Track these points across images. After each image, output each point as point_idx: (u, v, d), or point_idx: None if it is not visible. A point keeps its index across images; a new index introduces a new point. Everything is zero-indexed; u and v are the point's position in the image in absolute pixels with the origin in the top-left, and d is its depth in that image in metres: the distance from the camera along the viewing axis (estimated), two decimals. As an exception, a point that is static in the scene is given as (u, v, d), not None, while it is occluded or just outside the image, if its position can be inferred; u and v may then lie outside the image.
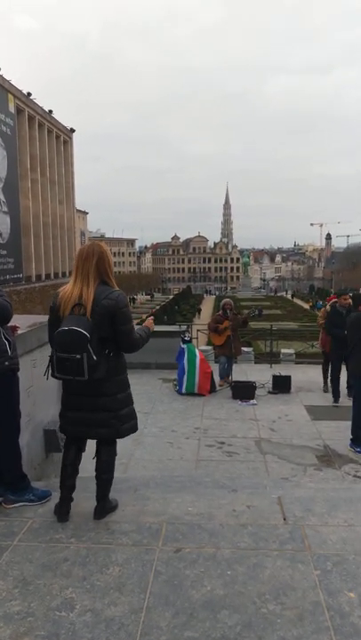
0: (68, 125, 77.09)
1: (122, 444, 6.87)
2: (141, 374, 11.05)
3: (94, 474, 3.44)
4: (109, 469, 3.40)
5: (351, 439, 6.71)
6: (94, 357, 3.04)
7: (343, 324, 7.64)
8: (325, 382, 9.82)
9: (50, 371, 3.27)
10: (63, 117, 74.50)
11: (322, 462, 6.38)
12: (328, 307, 9.31)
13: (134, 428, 3.41)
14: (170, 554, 2.88)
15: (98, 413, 3.22)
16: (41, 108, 65.00)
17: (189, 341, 10.08)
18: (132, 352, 3.32)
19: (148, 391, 9.77)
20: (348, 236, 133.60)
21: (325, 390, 9.69)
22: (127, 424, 3.36)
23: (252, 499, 3.59)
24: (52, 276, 66.39)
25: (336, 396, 9.01)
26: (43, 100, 66.10)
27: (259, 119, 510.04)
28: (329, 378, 9.44)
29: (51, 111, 68.40)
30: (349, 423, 7.78)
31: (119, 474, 5.88)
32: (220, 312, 10.49)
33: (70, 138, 77.78)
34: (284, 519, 3.26)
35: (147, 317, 3.71)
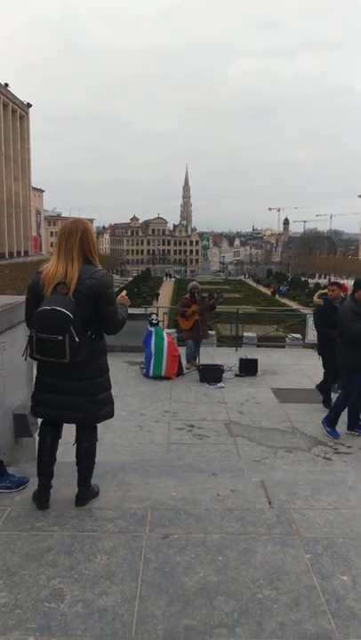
0: (25, 100, 74.53)
1: (91, 428, 6.78)
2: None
3: (72, 459, 3.32)
4: (90, 456, 3.28)
5: (326, 417, 6.78)
6: (77, 339, 2.90)
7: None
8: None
9: (28, 351, 3.10)
10: (20, 94, 71.68)
11: (291, 444, 6.45)
12: (317, 299, 8.02)
13: (111, 414, 3.31)
14: (158, 540, 2.81)
15: (74, 397, 3.10)
16: (-4, 80, 62.52)
17: (157, 324, 9.98)
18: (115, 333, 3.21)
19: (114, 374, 9.33)
20: (304, 222, 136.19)
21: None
22: (104, 409, 3.25)
23: (234, 483, 3.56)
24: (7, 255, 64.54)
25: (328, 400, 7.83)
26: (-1, 74, 63.53)
27: (220, 102, 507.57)
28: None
29: (7, 84, 65.90)
30: (316, 405, 7.94)
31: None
32: (188, 296, 10.42)
33: (27, 113, 75.25)
34: (270, 503, 3.24)
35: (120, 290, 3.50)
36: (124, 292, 3.61)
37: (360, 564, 2.63)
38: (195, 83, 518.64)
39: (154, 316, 10.33)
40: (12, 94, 68.53)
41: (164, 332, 10.02)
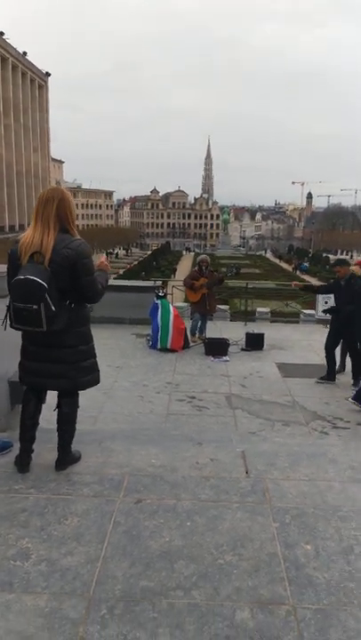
0: (44, 69, 73.77)
1: (92, 397, 6.87)
2: (115, 329, 10.97)
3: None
4: (70, 421, 3.33)
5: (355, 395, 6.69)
6: (53, 308, 2.91)
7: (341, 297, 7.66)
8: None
9: (8, 321, 3.13)
10: (38, 61, 70.82)
11: (290, 418, 6.46)
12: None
13: (95, 381, 3.33)
14: (130, 505, 2.86)
15: (57, 365, 3.13)
16: (14, 49, 61.87)
17: (163, 297, 9.99)
18: (94, 302, 3.21)
19: (120, 346, 9.71)
20: (329, 196, 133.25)
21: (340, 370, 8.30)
22: (88, 376, 3.27)
23: (216, 452, 3.60)
24: (27, 226, 64.90)
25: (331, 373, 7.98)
26: (16, 41, 62.81)
27: (245, 71, 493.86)
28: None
29: (25, 53, 65.19)
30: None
31: (88, 426, 5.88)
32: (197, 269, 10.37)
33: (45, 82, 74.54)
34: (247, 472, 3.27)
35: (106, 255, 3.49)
36: (103, 257, 3.57)
37: (326, 535, 2.64)
38: (220, 49, 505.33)
39: (161, 289, 10.31)
40: (31, 63, 67.87)
41: (171, 305, 10.01)
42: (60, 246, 2.98)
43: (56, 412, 3.37)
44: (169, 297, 12.43)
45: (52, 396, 3.42)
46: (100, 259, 3.49)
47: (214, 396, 7.15)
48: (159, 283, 12.43)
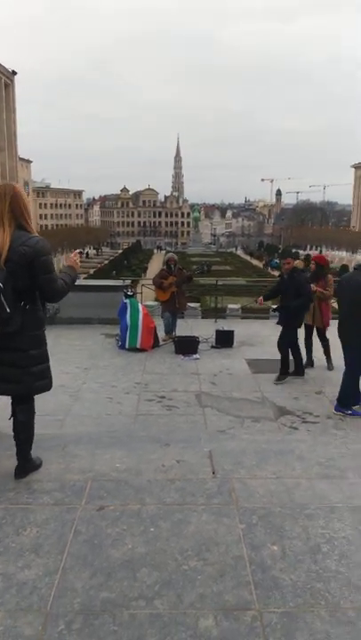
0: (10, 67, 72.46)
1: (59, 401, 6.73)
2: (83, 330, 10.81)
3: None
4: (27, 428, 3.21)
5: (338, 400, 6.31)
6: (7, 310, 2.79)
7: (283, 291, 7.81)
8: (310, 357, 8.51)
9: None
10: (7, 59, 69.49)
11: (259, 414, 6.44)
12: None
13: (47, 387, 3.21)
14: (92, 512, 2.76)
15: (8, 368, 3.00)
16: (-21, 45, 60.50)
17: (132, 296, 9.86)
18: (55, 301, 3.10)
19: (89, 346, 9.56)
20: (297, 193, 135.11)
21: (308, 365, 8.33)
22: (40, 382, 3.15)
23: (183, 453, 3.52)
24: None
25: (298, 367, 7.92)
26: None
27: (217, 67, 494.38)
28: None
29: (-10, 50, 63.82)
30: (289, 376, 7.93)
31: (54, 430, 5.75)
32: (165, 267, 10.28)
33: (12, 81, 73.24)
34: (213, 473, 3.20)
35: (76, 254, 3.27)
36: (75, 253, 3.43)
37: (293, 534, 2.60)
38: (193, 46, 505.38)
39: (129, 288, 10.18)
40: (-4, 61, 66.52)
41: (140, 304, 9.90)
42: (16, 244, 2.85)
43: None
44: (138, 296, 12.32)
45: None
46: (72, 254, 3.35)
47: (184, 395, 7.08)
48: (128, 282, 12.30)
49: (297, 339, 7.87)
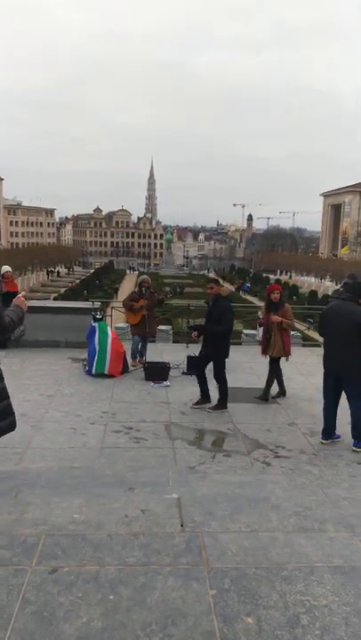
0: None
1: (19, 431, 6.22)
2: (48, 353, 10.40)
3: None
4: None
5: (355, 438, 6.05)
6: None
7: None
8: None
9: None
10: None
11: (231, 447, 6.17)
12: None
13: (11, 427, 2.89)
14: (44, 575, 2.43)
15: None
16: None
17: (101, 319, 9.54)
18: (1, 338, 2.81)
19: (54, 371, 9.16)
20: (268, 218, 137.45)
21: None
22: (3, 421, 2.83)
23: (148, 500, 3.22)
24: (-36, 245, 62.61)
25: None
26: None
27: (188, 93, 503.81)
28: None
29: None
30: (261, 405, 7.72)
31: (11, 466, 5.36)
32: (137, 289, 10.02)
33: (-14, 97, 72.79)
34: (182, 525, 2.91)
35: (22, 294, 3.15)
36: (21, 294, 3.22)
37: (270, 602, 2.32)
38: (166, 71, 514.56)
39: (98, 312, 9.86)
40: (-29, 77, 66.31)
41: (109, 328, 9.59)
42: None
43: None
44: (108, 319, 12.00)
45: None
46: (20, 294, 3.13)
47: (153, 426, 6.76)
48: (98, 304, 11.97)
49: (223, 368, 7.68)
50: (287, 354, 8.13)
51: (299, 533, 2.89)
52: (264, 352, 8.21)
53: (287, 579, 2.48)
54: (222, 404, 7.53)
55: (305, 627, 2.18)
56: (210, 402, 7.57)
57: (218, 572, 2.50)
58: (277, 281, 65.06)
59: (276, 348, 7.98)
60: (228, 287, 8.37)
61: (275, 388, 8.19)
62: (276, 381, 8.17)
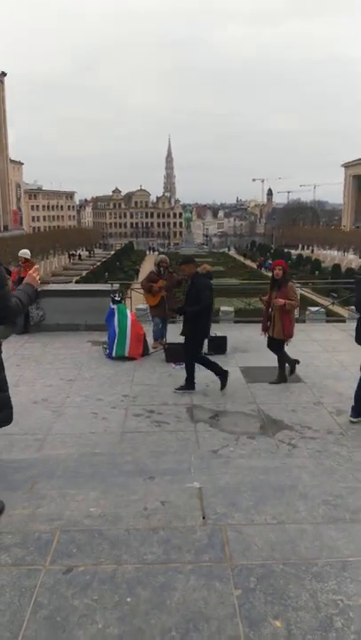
0: (-1, 68, 71.90)
1: (41, 417, 6.24)
2: (68, 336, 10.33)
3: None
4: None
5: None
6: None
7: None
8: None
9: None
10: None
11: (255, 429, 6.00)
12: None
13: (6, 420, 2.75)
14: (58, 576, 2.30)
15: None
16: (-34, 46, 59.92)
17: (120, 302, 9.38)
18: (8, 322, 2.64)
19: (74, 355, 9.07)
20: (288, 192, 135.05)
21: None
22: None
23: (168, 490, 3.07)
24: (-15, 230, 63.07)
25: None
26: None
27: (203, 70, 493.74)
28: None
29: (-23, 50, 63.25)
30: (285, 385, 7.51)
31: (32, 453, 5.28)
32: (155, 270, 9.81)
33: (1, 82, 72.61)
34: (204, 518, 2.75)
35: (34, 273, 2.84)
36: (34, 269, 2.98)
37: (300, 602, 2.15)
38: (180, 49, 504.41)
39: (117, 294, 9.70)
40: (-16, 61, 65.95)
41: (128, 310, 9.44)
42: None
43: None
44: (128, 301, 11.86)
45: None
46: (31, 270, 2.91)
47: (175, 409, 6.62)
48: (117, 286, 11.82)
49: (198, 350, 7.39)
50: (286, 336, 7.59)
51: (329, 525, 2.70)
52: (264, 329, 7.81)
53: (318, 576, 2.30)
54: (188, 384, 7.23)
55: (338, 630, 2.01)
56: (225, 377, 7.30)
57: (243, 569, 2.34)
58: (299, 255, 63.74)
59: (275, 329, 7.56)
60: (207, 266, 7.83)
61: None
62: (278, 364, 7.75)
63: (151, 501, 2.91)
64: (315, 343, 10.25)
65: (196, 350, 7.37)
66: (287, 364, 7.79)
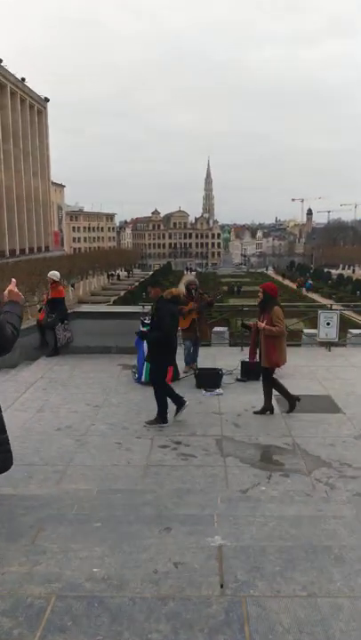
0: (42, 95, 74.44)
1: (63, 446, 5.97)
2: (99, 359, 10.13)
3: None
4: None
5: None
6: None
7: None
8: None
9: None
10: (38, 87, 71.73)
11: (290, 465, 5.55)
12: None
13: (7, 464, 2.46)
14: (46, 658, 1.97)
15: None
16: (13, 75, 62.48)
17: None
18: (6, 352, 2.37)
19: (103, 380, 8.83)
20: (328, 212, 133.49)
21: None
22: None
23: (185, 548, 2.70)
24: (27, 250, 64.52)
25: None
26: (15, 68, 63.43)
27: (243, 91, 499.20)
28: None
29: (24, 79, 65.83)
30: (323, 416, 7.03)
31: (49, 488, 4.99)
32: (185, 292, 9.52)
33: (45, 107, 75.13)
34: (222, 586, 2.37)
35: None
36: (12, 283, 2.67)
37: None
38: (218, 71, 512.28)
39: (147, 317, 9.43)
40: (30, 89, 68.48)
41: (158, 334, 9.14)
42: None
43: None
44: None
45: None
46: (10, 285, 2.62)
47: (203, 440, 6.25)
48: (147, 308, 11.57)
49: (161, 378, 6.94)
50: (272, 364, 7.11)
51: (370, 601, 2.28)
52: (252, 356, 7.43)
53: (356, 673, 1.89)
54: (160, 417, 6.78)
55: None
56: (182, 406, 6.92)
57: (264, 660, 1.95)
58: (340, 275, 62.27)
59: (261, 356, 7.14)
60: (181, 289, 7.42)
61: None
62: (263, 392, 7.33)
63: (163, 562, 2.55)
64: (355, 369, 9.70)
65: (161, 379, 6.95)
66: (287, 399, 7.25)
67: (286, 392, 7.24)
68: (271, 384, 7.29)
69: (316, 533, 3.02)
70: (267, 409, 7.21)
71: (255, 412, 7.21)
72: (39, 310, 11.23)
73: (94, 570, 2.49)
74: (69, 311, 10.83)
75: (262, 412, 7.19)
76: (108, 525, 3.19)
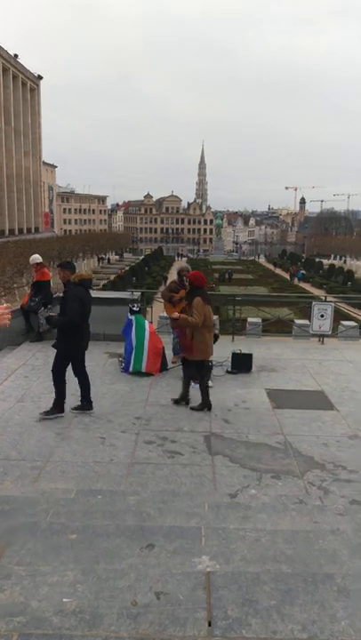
0: (36, 72, 72.74)
1: (42, 439, 5.62)
2: (85, 347, 9.74)
3: None
4: None
5: None
6: None
7: None
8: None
9: None
10: (36, 67, 70.21)
11: (281, 467, 5.27)
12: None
13: None
14: None
15: None
16: (5, 51, 60.82)
17: (138, 312, 8.75)
18: None
19: (88, 368, 8.27)
20: (321, 201, 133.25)
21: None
22: None
23: (168, 573, 2.39)
24: (17, 231, 63.39)
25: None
26: (9, 45, 61.94)
27: (241, 77, 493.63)
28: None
29: (16, 55, 64.15)
30: (316, 413, 6.76)
31: (25, 486, 4.67)
32: (176, 279, 9.16)
33: (37, 85, 73.46)
34: (210, 624, 2.06)
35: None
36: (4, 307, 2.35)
37: None
38: (217, 55, 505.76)
39: (136, 304, 9.06)
40: (22, 66, 66.83)
41: (147, 322, 8.80)
42: None
43: None
44: (148, 311, 11.23)
45: None
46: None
47: (190, 437, 5.94)
48: (137, 294, 11.19)
49: (60, 365, 6.57)
50: (194, 357, 6.80)
51: (380, 646, 1.99)
52: (186, 350, 7.06)
53: None
54: (55, 407, 6.41)
55: None
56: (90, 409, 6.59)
57: None
58: (331, 265, 62.10)
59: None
60: (84, 273, 6.99)
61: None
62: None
63: (144, 591, 2.24)
64: (350, 364, 9.40)
65: (60, 366, 6.54)
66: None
67: (204, 398, 6.83)
68: (193, 377, 6.98)
69: (314, 554, 2.73)
70: (184, 399, 6.93)
71: (173, 400, 6.95)
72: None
73: (64, 600, 2.17)
74: (55, 295, 10.41)
75: (179, 401, 6.92)
76: (84, 538, 2.87)
